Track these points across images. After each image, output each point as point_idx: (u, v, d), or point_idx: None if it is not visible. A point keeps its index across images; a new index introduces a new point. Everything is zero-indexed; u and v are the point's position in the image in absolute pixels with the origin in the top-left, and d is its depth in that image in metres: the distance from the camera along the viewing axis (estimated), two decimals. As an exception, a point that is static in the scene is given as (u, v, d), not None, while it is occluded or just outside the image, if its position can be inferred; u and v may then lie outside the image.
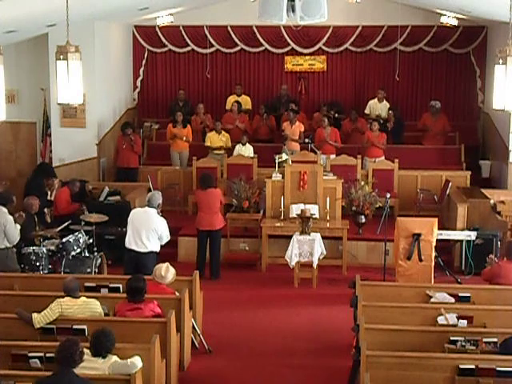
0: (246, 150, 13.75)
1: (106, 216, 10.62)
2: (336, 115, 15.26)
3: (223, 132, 14.18)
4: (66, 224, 10.57)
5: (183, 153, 14.26)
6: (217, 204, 10.91)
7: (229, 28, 16.07)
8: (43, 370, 6.22)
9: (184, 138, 14.13)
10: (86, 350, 6.00)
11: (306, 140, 13.25)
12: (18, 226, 9.32)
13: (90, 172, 13.94)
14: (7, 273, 8.85)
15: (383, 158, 13.68)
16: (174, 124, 14.26)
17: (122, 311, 7.25)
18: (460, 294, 8.00)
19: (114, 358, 6.05)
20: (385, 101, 15.33)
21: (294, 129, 14.14)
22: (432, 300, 7.95)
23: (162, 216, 9.39)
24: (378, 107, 15.30)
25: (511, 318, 7.48)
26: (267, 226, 11.37)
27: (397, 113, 15.02)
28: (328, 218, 11.45)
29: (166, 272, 7.92)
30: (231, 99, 15.49)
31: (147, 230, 9.11)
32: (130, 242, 9.16)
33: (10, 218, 9.21)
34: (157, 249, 9.27)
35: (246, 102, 15.69)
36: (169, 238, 9.38)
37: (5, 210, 9.26)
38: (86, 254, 10.17)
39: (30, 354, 6.41)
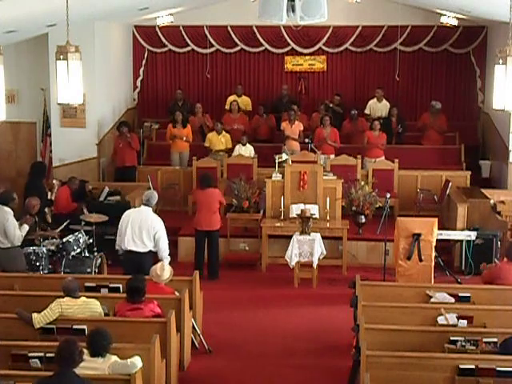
0: (247, 151, 13.72)
1: (106, 216, 10.62)
2: (332, 105, 15.19)
3: (224, 132, 14.08)
4: (65, 224, 10.57)
5: (183, 153, 14.20)
6: (215, 204, 10.85)
7: (229, 28, 16.07)
8: (43, 370, 6.22)
9: (184, 138, 14.07)
10: (85, 350, 6.02)
11: (306, 140, 13.25)
12: (27, 227, 9.22)
13: (90, 172, 13.94)
14: (14, 273, 8.84)
15: (383, 157, 13.67)
16: (174, 124, 14.19)
17: (122, 311, 7.25)
18: (460, 294, 8.00)
19: (114, 357, 6.04)
20: (384, 100, 15.31)
21: (293, 128, 14.11)
22: (432, 300, 7.95)
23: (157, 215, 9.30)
24: (377, 107, 15.26)
25: (511, 317, 7.47)
26: (267, 226, 11.37)
27: (399, 112, 15.02)
28: (328, 218, 11.44)
29: (162, 270, 7.91)
30: (231, 99, 15.48)
31: (147, 229, 8.93)
32: (129, 243, 8.96)
33: (12, 218, 9.07)
34: (154, 247, 9.14)
35: (246, 102, 15.68)
36: (166, 240, 9.02)
37: (7, 209, 9.11)
38: (86, 254, 10.17)
39: (30, 354, 6.41)
